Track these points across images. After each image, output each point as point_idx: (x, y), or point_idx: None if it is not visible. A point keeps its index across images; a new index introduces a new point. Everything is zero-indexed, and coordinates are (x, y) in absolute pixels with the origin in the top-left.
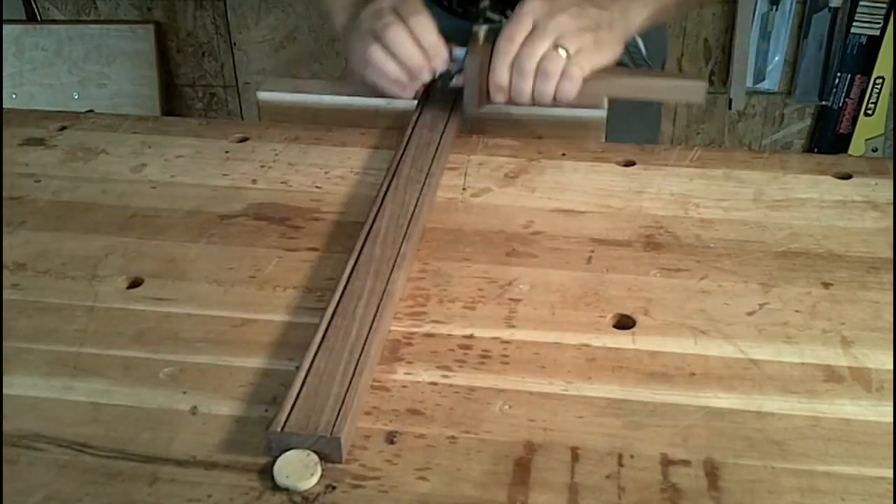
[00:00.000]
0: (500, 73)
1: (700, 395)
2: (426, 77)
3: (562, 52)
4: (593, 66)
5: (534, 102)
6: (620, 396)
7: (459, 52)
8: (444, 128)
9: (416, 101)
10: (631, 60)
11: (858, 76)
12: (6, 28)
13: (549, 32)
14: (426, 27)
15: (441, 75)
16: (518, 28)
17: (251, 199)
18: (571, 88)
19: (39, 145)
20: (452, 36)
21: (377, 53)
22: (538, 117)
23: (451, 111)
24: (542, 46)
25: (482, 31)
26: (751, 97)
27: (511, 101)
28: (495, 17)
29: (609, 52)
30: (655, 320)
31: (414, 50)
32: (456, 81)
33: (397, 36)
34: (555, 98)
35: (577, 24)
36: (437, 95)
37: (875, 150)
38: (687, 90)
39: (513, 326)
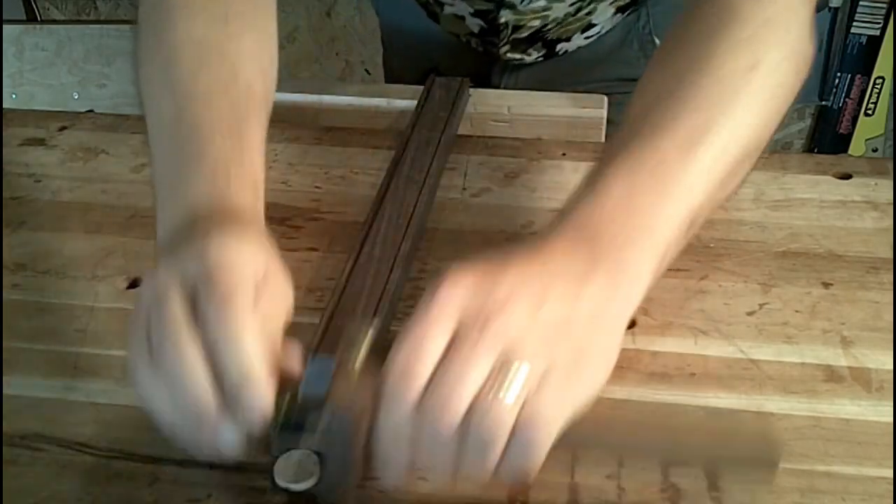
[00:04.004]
0: (387, 438)
1: (700, 395)
2: (219, 437)
3: (511, 393)
4: (572, 406)
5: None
6: (620, 396)
7: (318, 382)
8: (444, 127)
9: (415, 102)
10: None
11: (858, 76)
12: (6, 28)
13: (486, 347)
14: (239, 342)
15: (269, 441)
16: (425, 339)
17: None
18: (531, 461)
19: (39, 145)
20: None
21: (144, 379)
22: (538, 117)
23: (451, 112)
24: (471, 379)
25: (364, 343)
26: None
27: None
28: (516, 56)
29: (597, 377)
30: (655, 320)
31: (202, 388)
32: (311, 445)
33: (176, 359)
34: (498, 475)
35: (541, 330)
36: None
37: (875, 150)
38: (753, 465)
39: None
